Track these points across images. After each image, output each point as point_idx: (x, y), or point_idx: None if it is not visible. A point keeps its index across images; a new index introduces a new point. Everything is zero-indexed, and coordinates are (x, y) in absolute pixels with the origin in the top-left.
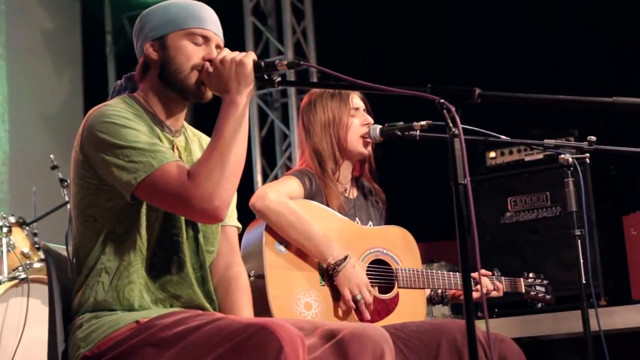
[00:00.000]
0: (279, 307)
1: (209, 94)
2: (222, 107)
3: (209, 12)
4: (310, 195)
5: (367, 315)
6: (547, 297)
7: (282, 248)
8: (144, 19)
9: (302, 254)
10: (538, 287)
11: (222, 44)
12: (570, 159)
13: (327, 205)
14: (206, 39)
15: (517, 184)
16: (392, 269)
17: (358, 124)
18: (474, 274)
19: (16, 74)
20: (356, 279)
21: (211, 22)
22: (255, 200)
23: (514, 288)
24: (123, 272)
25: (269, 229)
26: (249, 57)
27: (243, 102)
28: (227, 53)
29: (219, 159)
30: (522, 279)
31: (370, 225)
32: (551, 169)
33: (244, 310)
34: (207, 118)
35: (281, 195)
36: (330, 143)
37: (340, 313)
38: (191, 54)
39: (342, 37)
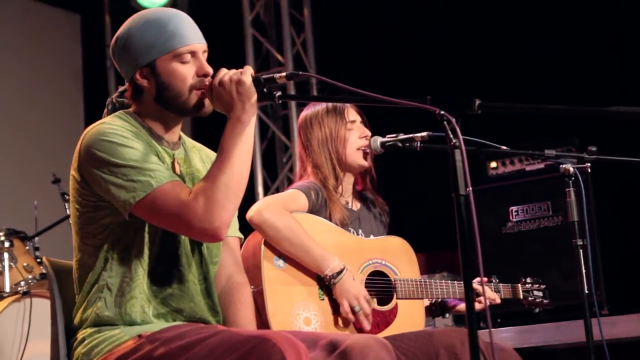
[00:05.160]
0: (278, 323)
1: (210, 109)
2: (227, 125)
3: (186, 22)
4: (316, 208)
5: (367, 326)
6: (545, 301)
7: (280, 263)
8: (124, 43)
9: (301, 268)
10: (536, 292)
11: (206, 46)
12: (571, 169)
13: (330, 218)
14: (193, 54)
15: (518, 194)
16: (390, 280)
17: (356, 137)
18: (476, 284)
19: (17, 88)
20: (354, 290)
21: (192, 34)
22: (252, 214)
23: (512, 294)
24: (125, 288)
25: (268, 243)
26: (247, 74)
27: (249, 120)
28: (224, 73)
29: (222, 178)
30: (519, 285)
31: (371, 237)
32: (552, 178)
33: (248, 322)
34: (206, 127)
35: (278, 208)
36: (330, 159)
37: (339, 326)
38: (186, 76)
39: (342, 49)
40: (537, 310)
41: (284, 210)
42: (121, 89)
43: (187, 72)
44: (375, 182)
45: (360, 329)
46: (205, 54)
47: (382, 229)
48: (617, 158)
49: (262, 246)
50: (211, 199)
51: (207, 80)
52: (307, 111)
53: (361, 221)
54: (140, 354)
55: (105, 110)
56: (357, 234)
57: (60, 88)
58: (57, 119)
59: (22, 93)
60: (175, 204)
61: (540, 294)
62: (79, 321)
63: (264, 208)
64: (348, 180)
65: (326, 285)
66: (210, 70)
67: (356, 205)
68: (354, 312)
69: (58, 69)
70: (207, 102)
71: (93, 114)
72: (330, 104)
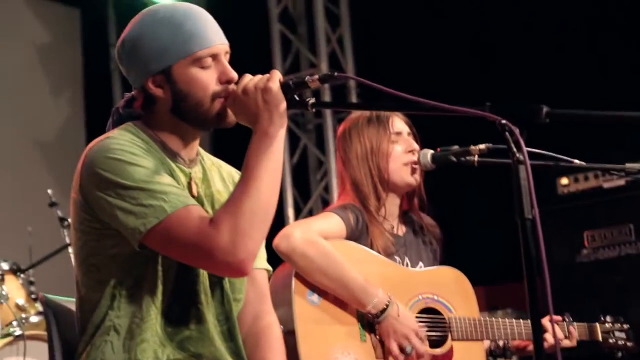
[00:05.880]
0: None
1: (233, 120)
2: (252, 139)
3: (205, 19)
4: (355, 234)
5: None
6: (629, 344)
7: (314, 298)
8: (132, 45)
9: (338, 303)
10: (617, 333)
11: (228, 47)
12: None
13: (372, 245)
14: (215, 57)
15: (595, 216)
16: (444, 318)
17: (401, 150)
18: (544, 321)
19: (6, 94)
20: (402, 327)
21: (212, 33)
22: (279, 241)
23: (589, 335)
24: (135, 329)
25: (299, 275)
26: (274, 79)
27: (277, 132)
28: (248, 80)
29: (247, 203)
30: (598, 324)
31: (420, 267)
32: (635, 197)
33: None
34: (229, 142)
35: (310, 234)
36: (370, 175)
37: None
38: (207, 83)
39: (384, 46)
40: (619, 354)
41: (317, 235)
42: (128, 96)
43: (208, 79)
44: (426, 203)
45: None
46: (227, 56)
47: (431, 257)
48: None
49: (293, 279)
50: (235, 227)
51: (231, 88)
52: (347, 121)
53: (407, 247)
54: None
55: (110, 121)
56: (403, 263)
57: (57, 94)
58: (53, 130)
59: (12, 99)
60: (194, 232)
61: (623, 334)
62: None
63: (293, 234)
64: (392, 202)
65: (369, 322)
66: (234, 75)
67: (402, 230)
68: (405, 354)
69: (54, 71)
70: (230, 112)
71: (96, 125)
72: (372, 112)
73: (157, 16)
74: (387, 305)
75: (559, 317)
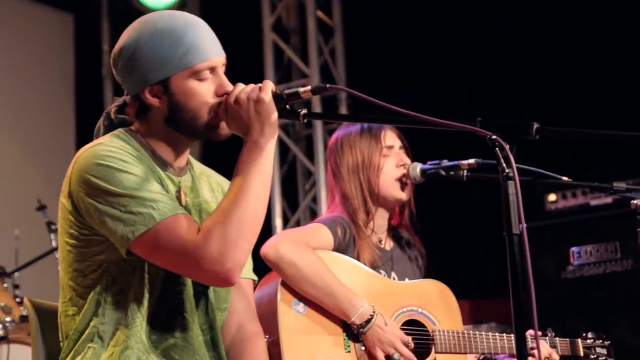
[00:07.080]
0: None
1: (226, 131)
2: (242, 150)
3: (204, 31)
4: (342, 246)
5: None
6: None
7: (300, 307)
8: (131, 54)
9: (323, 313)
10: (599, 349)
11: (225, 59)
12: None
13: (358, 257)
14: (212, 69)
15: (581, 233)
16: (428, 330)
17: (392, 164)
18: (528, 337)
19: None
20: (388, 335)
21: (211, 45)
22: (267, 250)
23: (571, 350)
24: (119, 336)
25: (285, 285)
26: (267, 90)
27: (267, 143)
28: (240, 90)
29: (236, 213)
30: (579, 340)
31: (406, 282)
32: (621, 215)
33: None
34: (219, 151)
35: (299, 244)
36: (360, 189)
37: None
38: (204, 96)
39: (377, 59)
40: None
41: (305, 246)
42: (119, 101)
43: (205, 91)
44: (415, 219)
45: None
46: (224, 67)
47: (417, 273)
48: None
49: (279, 288)
50: (223, 237)
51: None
52: (339, 132)
53: (394, 262)
54: None
55: (100, 124)
56: (389, 277)
57: (48, 99)
58: (43, 135)
59: (3, 103)
60: (181, 241)
61: (604, 351)
62: None
63: (281, 242)
64: (382, 215)
65: (354, 333)
66: (231, 88)
67: (389, 244)
68: None
69: (46, 76)
70: (222, 123)
71: (86, 130)
72: (366, 125)
73: (158, 26)
74: (371, 316)
75: (540, 332)
